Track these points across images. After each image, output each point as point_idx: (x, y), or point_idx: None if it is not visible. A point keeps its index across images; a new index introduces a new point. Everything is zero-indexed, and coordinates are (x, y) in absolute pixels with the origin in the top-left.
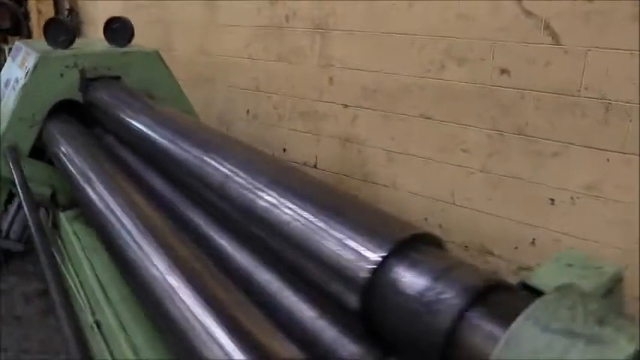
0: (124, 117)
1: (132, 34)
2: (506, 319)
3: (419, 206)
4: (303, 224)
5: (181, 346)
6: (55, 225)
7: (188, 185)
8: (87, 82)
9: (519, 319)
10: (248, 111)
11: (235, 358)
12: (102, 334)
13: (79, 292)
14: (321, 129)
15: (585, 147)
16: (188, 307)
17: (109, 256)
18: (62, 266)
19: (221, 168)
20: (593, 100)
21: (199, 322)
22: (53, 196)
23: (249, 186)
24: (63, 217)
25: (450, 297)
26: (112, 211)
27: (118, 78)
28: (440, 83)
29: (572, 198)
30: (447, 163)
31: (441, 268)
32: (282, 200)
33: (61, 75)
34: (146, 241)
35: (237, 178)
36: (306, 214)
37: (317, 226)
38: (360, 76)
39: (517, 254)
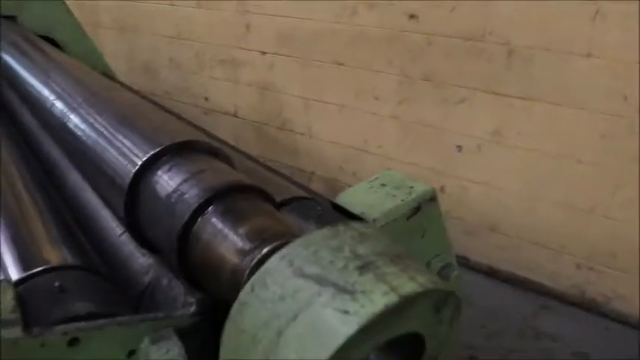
0: (6, 56)
1: None
2: (239, 217)
3: (334, 153)
4: (92, 128)
5: None
6: None
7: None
8: None
9: (275, 258)
10: (171, 59)
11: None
12: None
13: None
14: (239, 77)
15: (490, 93)
16: None
17: None
18: None
19: (55, 87)
20: (497, 46)
21: None
22: None
23: (68, 99)
24: None
25: (190, 197)
26: None
27: (14, 18)
28: (352, 29)
29: (478, 145)
30: (360, 110)
31: (194, 172)
32: (78, 105)
33: None
34: None
35: (63, 96)
36: (93, 119)
37: (99, 130)
38: (276, 22)
39: None
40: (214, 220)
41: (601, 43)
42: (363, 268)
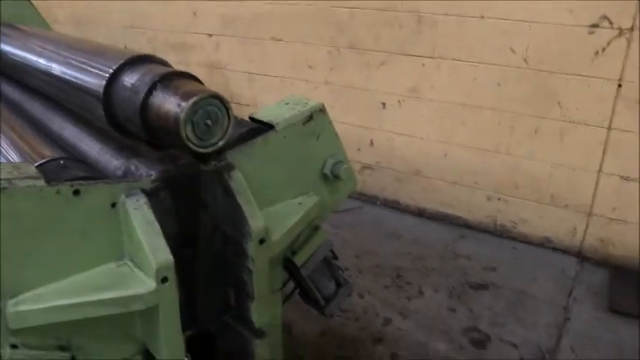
0: None
1: None
2: (176, 87)
3: None
4: (72, 65)
5: None
6: None
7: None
8: None
9: None
10: (125, 46)
11: (15, 161)
12: None
13: None
14: (190, 58)
15: (405, 55)
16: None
17: None
18: None
19: (35, 48)
20: (408, 14)
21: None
22: None
23: (51, 54)
24: None
25: (146, 81)
26: None
27: None
28: (286, 8)
29: (398, 101)
30: (297, 79)
31: (148, 70)
32: (57, 55)
33: None
34: None
35: (43, 53)
36: (71, 59)
37: (78, 65)
38: (219, 6)
39: (360, 155)
40: (161, 92)
41: (491, 6)
42: None
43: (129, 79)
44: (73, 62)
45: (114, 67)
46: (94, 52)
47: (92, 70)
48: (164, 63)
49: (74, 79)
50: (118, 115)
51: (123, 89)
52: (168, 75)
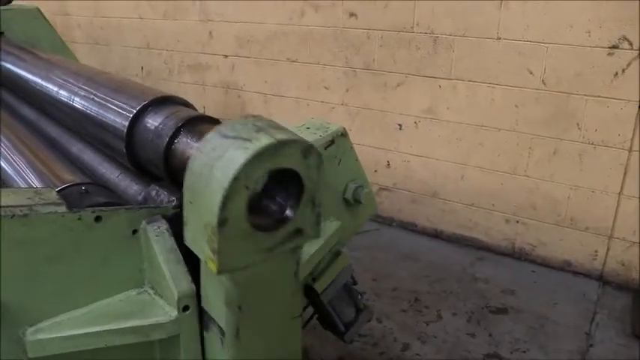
0: (4, 64)
1: None
2: (201, 133)
3: None
4: (94, 101)
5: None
6: None
7: (42, 103)
8: None
9: (211, 132)
10: (142, 68)
11: (35, 184)
12: None
13: None
14: (206, 79)
15: (421, 76)
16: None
17: None
18: None
19: (56, 79)
20: (424, 35)
21: (20, 173)
22: None
23: (69, 85)
24: None
25: (170, 125)
26: None
27: (1, 34)
28: (301, 29)
29: (415, 122)
30: (313, 100)
31: (172, 112)
32: (79, 89)
33: None
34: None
35: (65, 85)
36: (93, 95)
37: (100, 101)
38: (235, 27)
39: (376, 176)
40: (185, 138)
41: (507, 27)
42: (259, 130)
43: (152, 120)
44: (95, 98)
45: (137, 108)
46: (115, 87)
47: (114, 107)
48: (186, 104)
49: (95, 115)
50: (141, 156)
51: (146, 131)
52: (191, 119)
